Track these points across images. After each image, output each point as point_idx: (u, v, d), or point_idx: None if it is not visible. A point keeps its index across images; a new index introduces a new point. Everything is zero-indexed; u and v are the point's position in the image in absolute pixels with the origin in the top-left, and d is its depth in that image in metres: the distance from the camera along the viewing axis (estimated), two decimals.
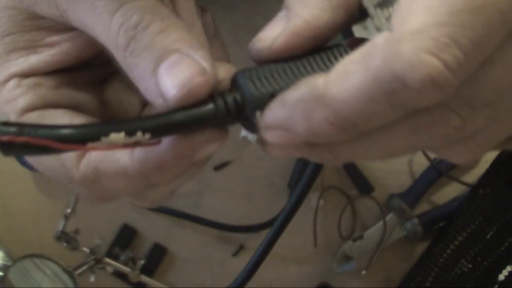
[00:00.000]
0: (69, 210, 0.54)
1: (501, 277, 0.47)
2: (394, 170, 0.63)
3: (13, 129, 0.21)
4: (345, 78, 0.20)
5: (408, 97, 0.19)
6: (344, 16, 0.24)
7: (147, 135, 0.22)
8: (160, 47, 0.23)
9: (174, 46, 0.23)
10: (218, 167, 0.62)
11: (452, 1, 0.19)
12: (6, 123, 0.21)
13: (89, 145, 0.22)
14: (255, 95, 0.23)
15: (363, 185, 0.62)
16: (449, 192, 0.62)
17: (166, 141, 0.23)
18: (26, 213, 0.60)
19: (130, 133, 0.22)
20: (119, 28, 0.23)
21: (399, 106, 0.19)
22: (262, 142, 0.24)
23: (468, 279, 0.51)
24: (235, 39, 0.66)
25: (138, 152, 0.24)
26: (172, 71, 0.22)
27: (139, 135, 0.22)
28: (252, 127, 0.24)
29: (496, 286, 0.47)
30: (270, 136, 0.23)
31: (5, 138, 0.21)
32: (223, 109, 0.23)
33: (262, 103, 0.23)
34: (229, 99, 0.24)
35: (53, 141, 0.21)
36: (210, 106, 0.23)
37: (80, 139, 0.22)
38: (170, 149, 0.23)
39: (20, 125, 0.21)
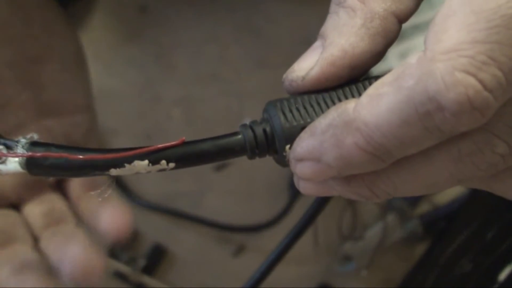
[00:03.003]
0: None
1: (501, 277, 0.47)
2: None
3: (39, 148, 0.22)
4: (376, 100, 0.19)
5: (444, 120, 0.18)
6: (383, 44, 0.22)
7: (172, 165, 0.22)
8: None
9: None
10: (218, 167, 0.62)
11: (489, 17, 0.17)
12: (35, 143, 0.22)
13: (112, 171, 0.22)
14: (285, 127, 0.22)
15: None
16: (449, 192, 0.62)
17: None
18: None
19: (154, 162, 0.22)
20: None
21: (435, 130, 0.18)
22: (296, 179, 0.23)
23: (468, 279, 0.51)
24: (235, 40, 0.66)
25: None
26: None
27: (163, 164, 0.22)
28: (281, 160, 0.23)
29: (496, 286, 0.47)
30: (300, 169, 0.21)
31: (28, 154, 0.21)
32: (252, 141, 0.23)
33: (293, 136, 0.22)
34: (259, 130, 0.23)
35: (76, 164, 0.22)
36: (239, 136, 0.23)
37: (104, 165, 0.22)
38: None
39: (47, 146, 0.22)
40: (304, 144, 0.21)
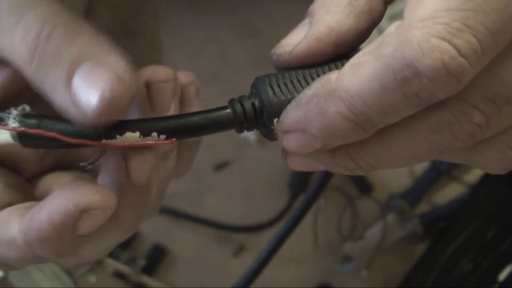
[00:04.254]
0: None
1: (501, 277, 0.47)
2: (395, 170, 0.63)
3: (32, 121, 0.21)
4: (357, 69, 0.19)
5: (421, 85, 0.18)
6: (368, 22, 0.23)
7: (162, 137, 0.23)
8: (69, 56, 0.20)
9: (84, 52, 0.20)
10: (218, 167, 0.62)
11: None
12: (27, 115, 0.22)
13: (104, 142, 0.22)
14: (273, 102, 0.22)
15: (363, 185, 0.62)
16: (449, 192, 0.62)
17: (46, 209, 0.22)
18: None
19: (145, 133, 0.22)
20: (21, 41, 0.21)
21: (413, 97, 0.19)
22: (284, 154, 0.24)
23: (468, 279, 0.51)
24: (235, 40, 0.66)
25: (25, 222, 0.23)
26: (87, 82, 0.20)
27: (154, 135, 0.22)
28: (270, 134, 0.23)
29: (496, 286, 0.47)
30: (287, 141, 0.22)
31: (21, 129, 0.21)
32: (241, 115, 0.23)
33: (281, 110, 0.22)
34: (248, 104, 0.23)
35: (69, 136, 0.22)
36: (228, 110, 0.23)
37: (96, 135, 0.22)
38: (47, 218, 0.21)
39: (39, 118, 0.22)
40: (289, 115, 0.21)
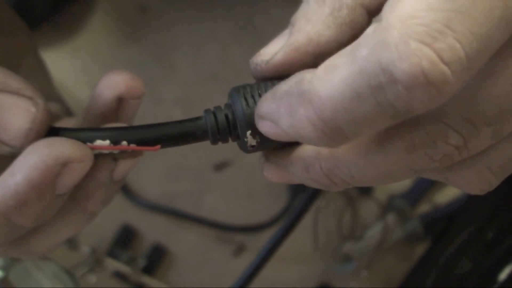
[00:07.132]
0: None
1: (501, 277, 0.47)
2: None
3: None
4: (331, 71, 0.18)
5: (397, 94, 0.16)
6: (350, 34, 0.22)
7: (133, 146, 0.22)
8: None
9: None
10: (219, 167, 0.62)
11: None
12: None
13: (93, 145, 0.22)
14: (246, 113, 0.22)
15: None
16: (449, 192, 0.62)
17: (21, 170, 0.21)
18: None
19: (115, 142, 0.22)
20: None
21: (388, 106, 0.17)
22: (261, 165, 0.24)
23: (468, 279, 0.51)
24: (235, 39, 0.66)
25: None
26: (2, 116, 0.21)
27: (124, 144, 0.22)
28: (244, 146, 0.23)
29: (496, 286, 0.47)
30: (262, 126, 0.21)
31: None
32: (214, 126, 0.23)
33: (254, 122, 0.22)
34: (221, 116, 0.23)
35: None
36: (201, 121, 0.23)
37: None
38: (25, 179, 0.21)
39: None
40: (265, 105, 0.21)
